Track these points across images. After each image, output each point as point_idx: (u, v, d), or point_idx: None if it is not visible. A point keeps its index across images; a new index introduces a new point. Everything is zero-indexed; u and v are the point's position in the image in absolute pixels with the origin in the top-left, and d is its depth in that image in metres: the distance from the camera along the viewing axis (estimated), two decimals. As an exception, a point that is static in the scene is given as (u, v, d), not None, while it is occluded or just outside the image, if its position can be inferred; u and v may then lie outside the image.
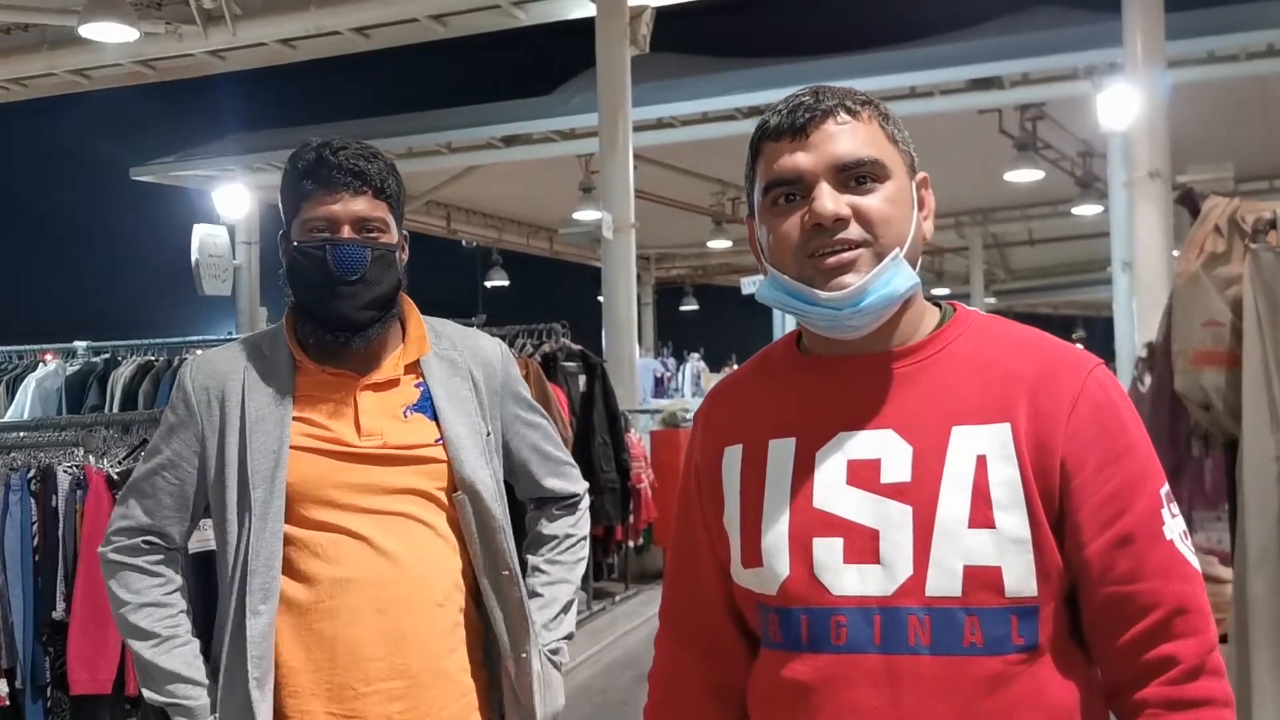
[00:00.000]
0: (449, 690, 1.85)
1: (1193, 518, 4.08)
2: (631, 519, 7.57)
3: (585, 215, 12.34)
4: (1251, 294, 2.99)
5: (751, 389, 1.39)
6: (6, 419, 5.87)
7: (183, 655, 1.84)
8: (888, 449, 1.23)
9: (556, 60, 12.90)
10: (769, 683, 1.30)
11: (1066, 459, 1.20)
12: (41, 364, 6.61)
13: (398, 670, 1.80)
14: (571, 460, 2.15)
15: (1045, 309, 25.32)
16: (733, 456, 1.34)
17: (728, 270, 21.07)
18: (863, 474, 1.23)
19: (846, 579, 1.22)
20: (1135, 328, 8.51)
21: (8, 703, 2.90)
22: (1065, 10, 11.46)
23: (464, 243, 18.38)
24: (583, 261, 20.05)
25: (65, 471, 3.23)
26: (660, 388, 13.80)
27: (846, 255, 1.22)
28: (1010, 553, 1.17)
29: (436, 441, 1.87)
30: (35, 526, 3.21)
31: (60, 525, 3.19)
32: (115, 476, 3.12)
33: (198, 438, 1.87)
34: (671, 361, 15.00)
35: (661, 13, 9.62)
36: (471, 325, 6.02)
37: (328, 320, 1.84)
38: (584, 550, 2.12)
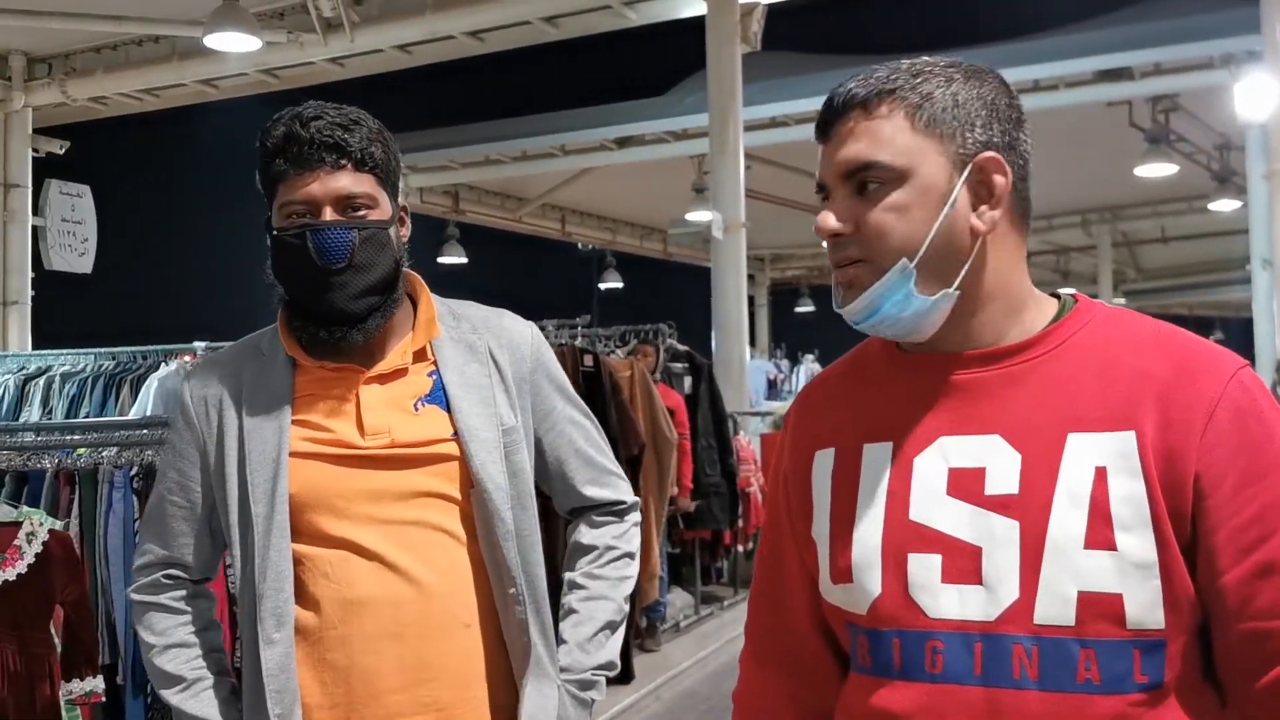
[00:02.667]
0: None
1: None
2: (740, 523, 7.47)
3: (697, 216, 12.27)
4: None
5: (845, 389, 1.28)
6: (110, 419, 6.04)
7: (209, 699, 1.68)
8: (993, 456, 1.10)
9: (668, 60, 12.84)
10: (857, 711, 1.18)
11: (1202, 474, 1.05)
12: (164, 364, 6.80)
13: (424, 704, 1.61)
14: (620, 471, 1.88)
15: (1180, 309, 24.32)
16: (823, 461, 1.23)
17: (844, 271, 20.69)
18: (965, 484, 1.11)
19: (945, 600, 1.10)
20: (1276, 329, 8.09)
21: (104, 699, 2.95)
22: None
23: (579, 245, 18.49)
24: (696, 263, 20.00)
25: (168, 470, 3.27)
26: (774, 390, 13.62)
27: (850, 271, 1.14)
28: (1133, 578, 1.04)
29: (452, 436, 1.65)
30: (137, 524, 3.26)
31: (162, 523, 3.23)
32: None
33: (200, 452, 1.70)
34: (785, 363, 14.81)
35: (773, 10, 9.49)
36: (576, 327, 6.05)
37: (320, 315, 1.63)
38: (630, 568, 1.82)
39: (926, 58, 1.18)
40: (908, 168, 1.12)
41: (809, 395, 1.33)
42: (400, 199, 1.73)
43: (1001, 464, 1.10)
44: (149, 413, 6.20)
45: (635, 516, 1.87)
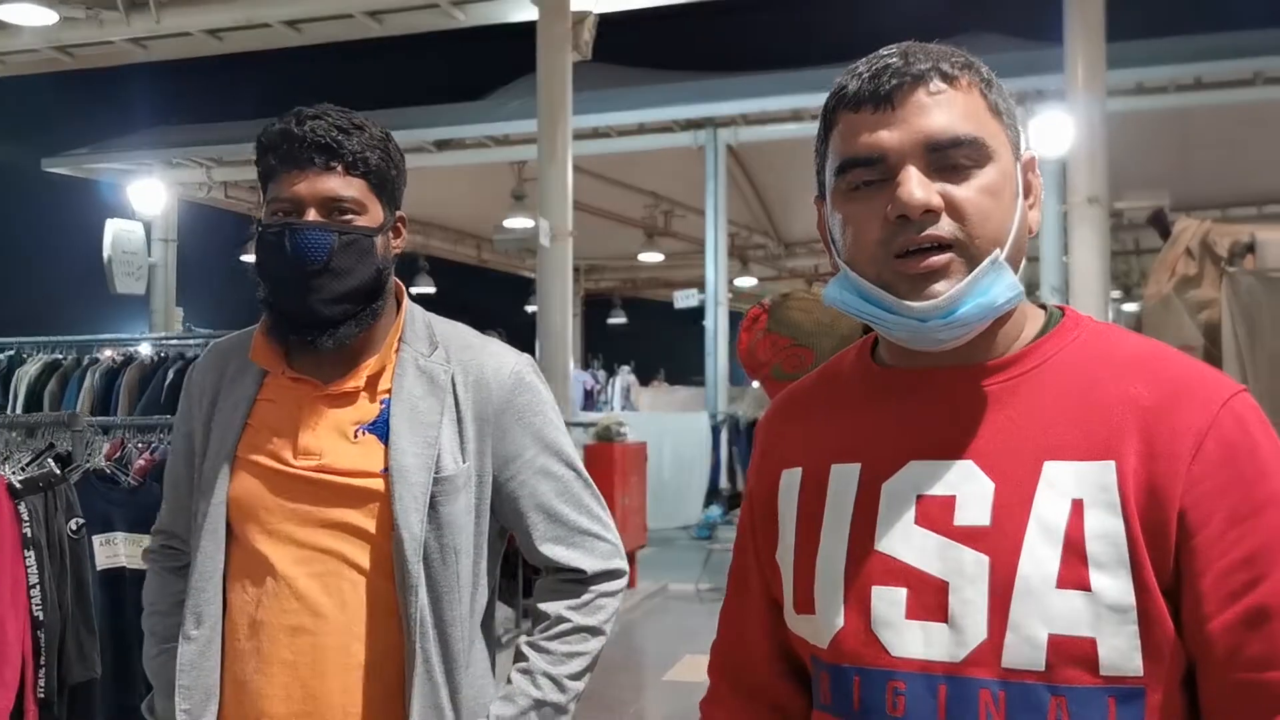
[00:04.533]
0: None
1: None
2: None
3: (517, 223, 12.14)
4: (1229, 318, 2.93)
5: (815, 405, 1.18)
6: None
7: (162, 665, 1.67)
8: (965, 484, 1.01)
9: (491, 64, 12.71)
10: None
11: (1187, 511, 0.95)
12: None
13: None
14: (601, 532, 1.69)
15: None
16: (790, 481, 1.14)
17: (658, 284, 20.98)
18: (934, 513, 1.02)
19: (909, 638, 1.01)
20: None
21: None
22: (1005, 38, 11.60)
23: (389, 248, 18.05)
24: (510, 270, 19.81)
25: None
26: (590, 400, 13.62)
27: (937, 258, 0.99)
28: (1108, 622, 0.95)
29: (382, 472, 1.57)
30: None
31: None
32: (18, 485, 2.83)
33: (190, 436, 1.70)
34: (602, 374, 14.82)
35: (603, 20, 9.49)
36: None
37: (290, 315, 1.59)
38: (587, 644, 1.64)
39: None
40: (996, 150, 1.02)
41: (780, 408, 1.24)
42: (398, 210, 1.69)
43: (973, 492, 1.01)
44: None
45: (604, 587, 1.67)
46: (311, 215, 1.57)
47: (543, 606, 1.67)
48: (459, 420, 1.61)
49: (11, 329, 6.63)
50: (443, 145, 12.59)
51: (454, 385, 1.62)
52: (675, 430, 12.40)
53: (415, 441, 1.58)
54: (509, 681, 1.63)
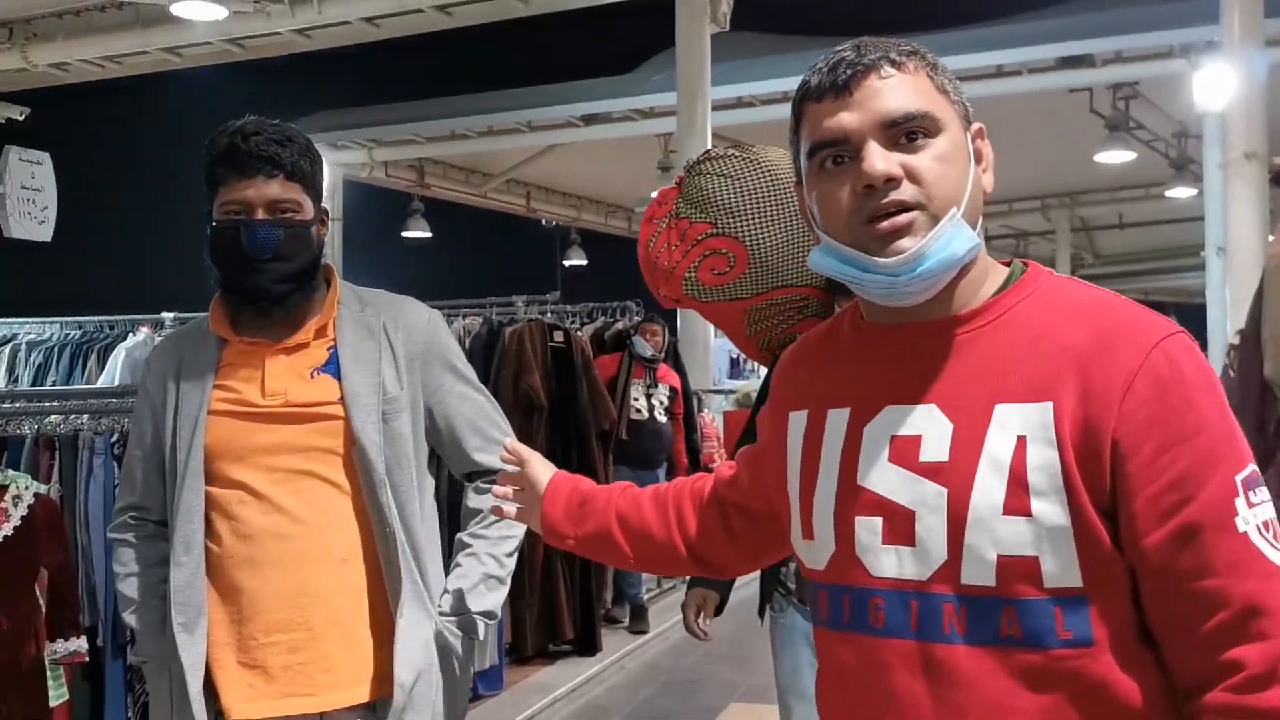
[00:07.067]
0: (347, 644, 1.93)
1: (1281, 509, 3.93)
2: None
3: (663, 194, 12.27)
4: (1347, 278, 2.86)
5: (818, 354, 1.35)
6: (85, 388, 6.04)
7: (144, 617, 2.00)
8: (929, 426, 1.16)
9: (635, 38, 12.85)
10: (822, 663, 1.29)
11: (1119, 441, 1.08)
12: (131, 334, 6.79)
13: (297, 623, 1.90)
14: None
15: (1135, 295, 24.44)
16: (797, 422, 1.31)
17: (807, 252, 20.81)
18: (904, 451, 1.17)
19: (885, 560, 1.18)
20: (1228, 315, 8.26)
21: (87, 659, 2.99)
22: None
23: (543, 221, 18.47)
24: (661, 241, 19.95)
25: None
26: (735, 368, 13.74)
27: (901, 218, 1.14)
28: (1047, 541, 1.09)
29: (339, 400, 1.95)
30: (118, 489, 3.30)
31: (141, 489, 3.28)
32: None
33: (153, 413, 2.02)
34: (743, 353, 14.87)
35: (742, -10, 9.54)
36: (545, 303, 6.11)
37: (247, 293, 1.96)
38: (513, 529, 2.07)
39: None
40: (945, 121, 1.17)
41: (792, 356, 1.41)
42: (322, 203, 2.05)
43: (935, 433, 1.16)
44: (117, 381, 6.20)
45: None
46: (260, 214, 1.92)
47: (474, 504, 2.09)
48: (394, 357, 2.01)
49: (194, 305, 7.17)
50: (589, 120, 12.81)
51: (385, 331, 2.02)
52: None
53: (363, 373, 1.97)
54: (457, 565, 2.05)
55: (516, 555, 2.10)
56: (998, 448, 1.12)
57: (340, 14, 10.12)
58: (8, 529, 2.68)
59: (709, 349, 9.40)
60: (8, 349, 6.87)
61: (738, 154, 2.03)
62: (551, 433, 5.64)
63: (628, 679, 5.92)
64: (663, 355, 6.74)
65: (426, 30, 10.57)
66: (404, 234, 15.68)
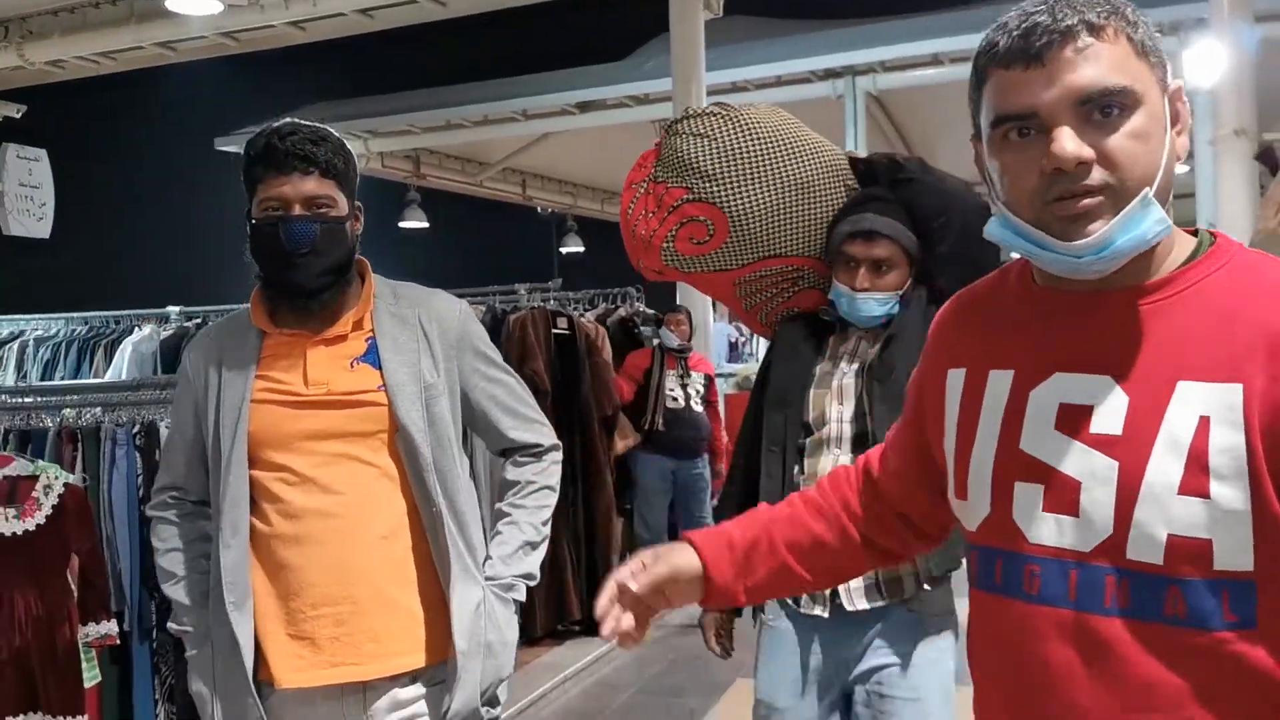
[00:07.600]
0: (391, 615, 2.02)
1: None
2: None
3: (659, 180, 12.31)
4: (1332, 251, 2.94)
5: (981, 313, 1.31)
6: (105, 381, 6.11)
7: (187, 590, 2.10)
8: (1103, 397, 1.12)
9: (630, 25, 12.88)
10: (976, 625, 1.27)
11: None
12: (137, 329, 6.86)
13: (339, 598, 2.00)
14: (544, 419, 2.29)
15: (1128, 272, 24.62)
16: (955, 381, 1.28)
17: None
18: (1073, 420, 1.13)
19: (1044, 528, 1.14)
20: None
21: (118, 642, 3.09)
22: (1150, -36, 11.14)
23: (539, 209, 18.51)
24: (657, 227, 19.99)
25: (166, 427, 3.39)
26: (735, 353, 13.83)
27: (1089, 202, 1.08)
28: (1223, 524, 1.05)
29: (379, 388, 2.04)
30: (140, 478, 3.39)
31: (163, 478, 3.36)
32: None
33: (195, 402, 2.11)
34: (745, 327, 14.97)
35: (735, -25, 9.57)
36: (548, 290, 6.18)
37: (286, 288, 2.04)
38: (548, 499, 2.23)
39: None
40: (1143, 93, 1.10)
41: (953, 310, 1.37)
42: (355, 200, 2.12)
43: (1109, 405, 1.11)
44: (124, 376, 6.27)
45: (555, 456, 2.28)
46: (297, 210, 1.99)
47: (512, 477, 2.24)
48: (430, 347, 2.11)
49: (196, 299, 7.23)
50: (584, 107, 12.85)
51: (420, 322, 2.12)
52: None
53: (402, 362, 2.06)
54: (497, 533, 2.18)
55: (550, 524, 2.24)
56: (1178, 426, 1.07)
57: (334, 6, 10.13)
58: (40, 517, 2.77)
59: (708, 332, 9.47)
60: (15, 345, 6.94)
61: (719, 112, 1.96)
62: (556, 417, 5.72)
63: (635, 657, 6.01)
64: (690, 345, 6.67)
65: (420, 21, 10.59)
66: (401, 224, 15.73)
